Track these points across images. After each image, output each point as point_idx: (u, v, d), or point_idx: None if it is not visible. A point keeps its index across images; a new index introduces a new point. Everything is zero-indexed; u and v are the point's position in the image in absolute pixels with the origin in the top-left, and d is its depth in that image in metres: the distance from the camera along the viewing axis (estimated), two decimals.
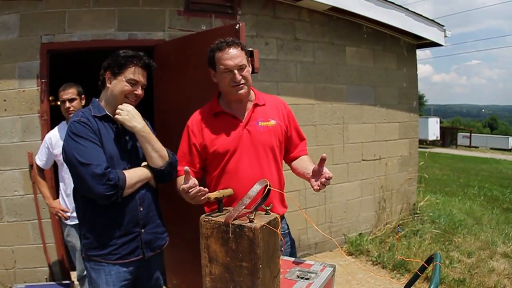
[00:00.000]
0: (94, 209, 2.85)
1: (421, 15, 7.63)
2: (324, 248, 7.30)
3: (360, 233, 7.54)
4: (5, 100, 5.19)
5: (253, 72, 3.30)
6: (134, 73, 2.86)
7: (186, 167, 2.51)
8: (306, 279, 2.55)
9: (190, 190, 2.47)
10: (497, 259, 6.51)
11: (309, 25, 6.73)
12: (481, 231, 7.90)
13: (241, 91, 2.97)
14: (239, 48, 2.93)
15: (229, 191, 2.26)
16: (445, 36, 8.11)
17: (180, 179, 2.74)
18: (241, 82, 2.93)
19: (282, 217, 3.26)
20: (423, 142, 38.14)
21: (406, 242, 7.09)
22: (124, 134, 3.00)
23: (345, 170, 7.30)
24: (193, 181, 2.56)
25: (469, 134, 50.45)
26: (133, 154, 3.03)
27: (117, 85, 2.87)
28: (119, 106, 2.87)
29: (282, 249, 2.11)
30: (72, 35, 5.36)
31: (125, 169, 2.89)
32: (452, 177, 18.20)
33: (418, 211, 8.37)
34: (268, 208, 2.13)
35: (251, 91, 3.17)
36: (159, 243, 3.17)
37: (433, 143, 41.24)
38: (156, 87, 5.45)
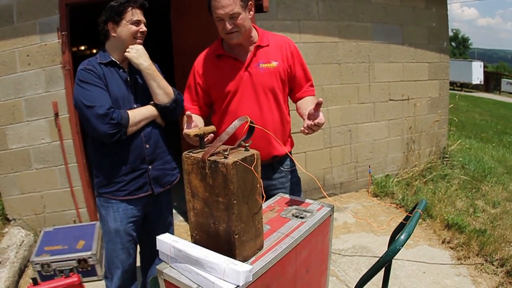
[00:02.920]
0: (102, 148, 3.04)
1: None
2: (350, 188, 7.30)
3: (387, 175, 7.50)
4: (28, 55, 5.32)
5: (261, 11, 3.21)
6: (133, 14, 2.98)
7: (188, 112, 2.54)
8: (301, 217, 2.57)
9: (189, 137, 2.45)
10: None
11: None
12: (510, 181, 7.62)
13: (233, 40, 2.96)
14: None
15: (211, 128, 2.24)
16: None
17: (184, 120, 2.71)
18: (233, 31, 2.91)
19: (288, 155, 3.28)
20: (467, 86, 37.49)
21: (432, 187, 7.00)
22: (130, 76, 3.13)
23: (371, 109, 7.19)
24: (195, 124, 2.60)
25: None
26: (140, 95, 3.14)
27: (123, 29, 2.99)
28: (130, 46, 3.02)
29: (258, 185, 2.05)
30: None
31: (131, 109, 3.04)
32: (490, 123, 17.77)
33: (448, 155, 8.19)
34: (247, 145, 2.10)
35: (255, 31, 3.16)
36: (169, 179, 3.34)
37: (476, 87, 40.46)
38: (174, 30, 5.58)
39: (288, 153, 2.99)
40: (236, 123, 2.05)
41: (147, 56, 3.06)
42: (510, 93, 43.74)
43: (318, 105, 2.59)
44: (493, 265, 4.74)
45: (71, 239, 4.79)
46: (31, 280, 3.85)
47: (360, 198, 7.02)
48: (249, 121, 2.12)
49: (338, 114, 6.86)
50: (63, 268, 4.50)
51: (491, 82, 46.77)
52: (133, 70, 3.11)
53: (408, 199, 6.47)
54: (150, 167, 3.15)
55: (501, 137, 13.64)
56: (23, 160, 5.51)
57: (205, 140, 2.34)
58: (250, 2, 2.95)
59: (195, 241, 2.16)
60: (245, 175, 1.96)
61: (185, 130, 2.42)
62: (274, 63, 3.08)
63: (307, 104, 3.10)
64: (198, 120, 3.01)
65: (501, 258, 4.77)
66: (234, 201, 1.91)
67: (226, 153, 1.94)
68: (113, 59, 3.07)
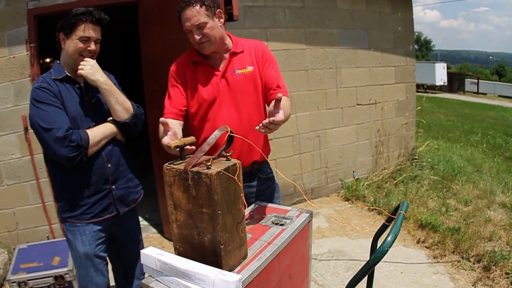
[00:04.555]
0: (63, 171, 2.91)
1: None
2: (321, 193, 7.36)
3: (357, 178, 7.57)
4: None
5: (232, 20, 3.23)
6: (84, 30, 2.82)
7: (162, 118, 2.47)
8: (281, 225, 2.58)
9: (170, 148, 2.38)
10: (494, 208, 6.44)
11: None
12: (480, 179, 7.82)
13: (205, 50, 2.99)
14: (197, 6, 2.88)
15: (191, 138, 2.24)
16: None
17: (161, 128, 2.69)
18: (202, 41, 2.93)
19: (266, 162, 3.30)
20: (434, 88, 37.96)
21: (403, 188, 7.11)
22: (87, 92, 3.01)
23: (339, 114, 7.27)
24: (173, 131, 2.53)
25: (476, 80, 50.05)
26: (98, 112, 3.04)
27: (70, 45, 2.84)
28: (81, 62, 2.86)
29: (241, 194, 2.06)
30: None
31: (89, 127, 2.92)
32: (456, 123, 18.06)
33: (416, 157, 8.32)
34: (228, 154, 2.11)
35: (229, 39, 3.17)
36: (133, 197, 3.24)
37: (441, 89, 40.95)
38: (142, 39, 5.55)
39: (267, 159, 2.99)
40: (216, 133, 2.06)
41: (101, 71, 2.94)
42: (474, 92, 44.49)
43: (278, 101, 2.48)
44: (469, 261, 4.84)
45: (46, 256, 4.74)
46: None
47: (331, 203, 7.07)
48: (229, 131, 2.12)
49: (306, 121, 6.91)
50: (40, 286, 4.41)
51: (455, 82, 47.57)
52: (89, 85, 2.97)
53: (380, 202, 6.56)
54: (113, 186, 3.05)
55: (468, 136, 13.85)
56: None
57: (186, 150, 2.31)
58: (218, 10, 2.97)
59: (179, 253, 2.16)
60: (228, 185, 1.98)
61: (165, 141, 2.40)
62: (250, 68, 3.10)
63: (273, 102, 3.11)
64: (175, 125, 2.92)
65: (477, 254, 4.88)
66: (219, 212, 1.93)
67: (208, 164, 1.96)
68: (68, 74, 2.93)
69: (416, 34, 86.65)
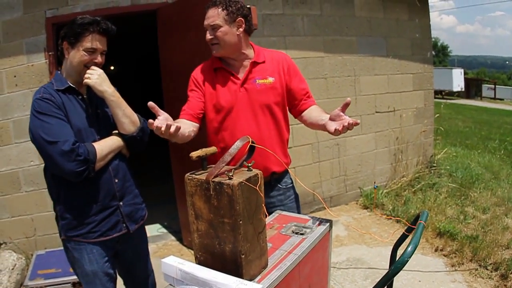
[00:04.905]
0: (68, 187, 2.75)
1: None
2: (339, 201, 7.34)
3: (376, 186, 7.52)
4: (15, 76, 5.32)
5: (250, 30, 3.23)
6: (91, 41, 2.70)
7: (150, 102, 2.36)
8: (301, 234, 2.56)
9: (161, 130, 2.31)
10: None
11: None
12: (498, 186, 7.72)
13: (213, 51, 3.05)
14: (220, 8, 2.94)
15: (212, 149, 2.24)
16: None
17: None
18: (213, 42, 2.99)
19: (286, 172, 3.32)
20: (452, 94, 37.81)
21: (421, 196, 7.06)
22: (90, 104, 2.88)
23: None
24: (165, 117, 2.44)
25: (493, 86, 49.75)
26: (102, 124, 2.91)
27: (75, 55, 2.72)
28: (88, 71, 2.73)
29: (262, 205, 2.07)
30: (75, 6, 5.45)
31: (94, 141, 2.78)
32: (474, 130, 17.91)
33: (435, 164, 8.27)
34: (250, 164, 2.11)
35: (251, 48, 3.20)
36: (141, 214, 3.12)
37: (458, 95, 40.76)
38: (161, 48, 5.61)
39: (288, 169, 2.98)
40: (238, 144, 2.06)
41: (109, 81, 2.80)
42: (491, 98, 44.20)
43: (346, 105, 2.59)
44: (487, 269, 4.80)
45: (64, 262, 4.73)
46: None
47: (350, 211, 7.05)
48: (250, 141, 2.13)
49: None
50: None
51: (472, 88, 47.36)
52: (92, 96, 2.87)
53: (398, 210, 6.52)
54: (121, 203, 2.92)
55: (485, 143, 13.70)
56: (13, 183, 5.47)
57: (168, 130, 2.28)
58: (239, 18, 2.99)
59: (200, 262, 2.16)
60: (249, 195, 1.98)
61: (150, 121, 2.25)
62: (271, 79, 3.11)
63: (317, 112, 3.13)
64: (185, 123, 2.93)
65: (495, 262, 4.84)
66: (240, 222, 1.92)
67: (230, 174, 1.96)
68: (71, 84, 2.79)
69: (433, 39, 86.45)
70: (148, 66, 12.35)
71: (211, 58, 3.22)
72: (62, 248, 5.19)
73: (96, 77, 2.73)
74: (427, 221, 2.45)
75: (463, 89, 42.38)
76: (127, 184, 2.98)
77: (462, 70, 44.29)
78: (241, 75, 3.10)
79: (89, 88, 2.80)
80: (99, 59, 2.78)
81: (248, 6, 3.11)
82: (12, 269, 5.12)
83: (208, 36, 2.99)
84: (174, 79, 5.31)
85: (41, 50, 5.27)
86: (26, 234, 5.62)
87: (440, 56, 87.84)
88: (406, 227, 2.53)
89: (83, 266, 2.89)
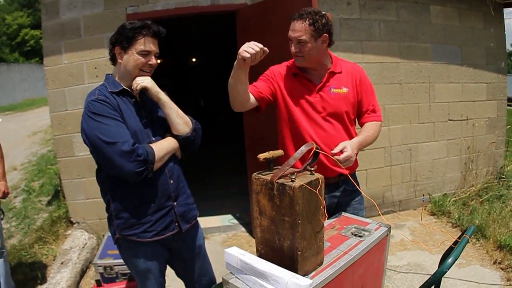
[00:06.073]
0: (124, 187, 2.81)
1: None
2: (408, 206, 7.35)
3: (445, 194, 7.49)
4: (96, 68, 5.69)
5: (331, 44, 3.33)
6: (144, 44, 2.76)
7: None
8: (359, 236, 2.65)
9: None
10: None
11: None
12: None
13: (297, 62, 3.18)
14: (307, 23, 3.01)
15: (279, 152, 2.36)
16: None
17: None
18: (297, 55, 3.12)
19: (353, 175, 3.38)
20: None
21: (488, 207, 6.90)
22: (143, 106, 2.95)
23: (431, 129, 7.23)
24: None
25: None
26: (156, 127, 2.97)
27: (130, 59, 2.78)
28: (137, 77, 2.80)
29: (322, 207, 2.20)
30: (156, 4, 5.73)
31: (150, 143, 2.84)
32: None
33: (504, 176, 8.08)
34: (312, 169, 2.24)
35: (329, 58, 3.30)
36: (193, 214, 3.18)
37: None
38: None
39: (349, 176, 3.03)
40: (303, 149, 2.20)
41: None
42: None
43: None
44: None
45: None
46: (92, 281, 4.01)
47: (418, 216, 7.05)
48: (314, 147, 2.24)
49: (399, 133, 6.95)
50: (124, 272, 4.62)
51: None
52: (145, 100, 2.95)
53: (463, 219, 6.45)
54: (175, 203, 2.98)
55: None
56: (89, 167, 5.70)
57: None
58: (325, 35, 3.08)
59: (260, 255, 2.32)
60: (309, 197, 2.11)
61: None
62: (345, 89, 3.23)
63: (364, 130, 3.29)
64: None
65: None
66: (299, 221, 2.06)
67: (293, 177, 2.10)
68: (124, 87, 2.85)
69: (509, 50, 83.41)
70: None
71: (290, 62, 3.35)
72: None
73: (149, 81, 2.82)
74: (471, 235, 2.52)
75: None
76: (181, 185, 3.06)
77: None
78: (317, 82, 3.22)
79: (141, 92, 2.86)
80: (153, 60, 2.86)
81: (324, 12, 3.18)
82: (83, 247, 5.42)
83: (293, 49, 3.10)
84: (251, 80, 5.36)
85: None
86: (99, 215, 5.95)
87: None
88: (454, 241, 2.61)
89: (137, 263, 3.01)
